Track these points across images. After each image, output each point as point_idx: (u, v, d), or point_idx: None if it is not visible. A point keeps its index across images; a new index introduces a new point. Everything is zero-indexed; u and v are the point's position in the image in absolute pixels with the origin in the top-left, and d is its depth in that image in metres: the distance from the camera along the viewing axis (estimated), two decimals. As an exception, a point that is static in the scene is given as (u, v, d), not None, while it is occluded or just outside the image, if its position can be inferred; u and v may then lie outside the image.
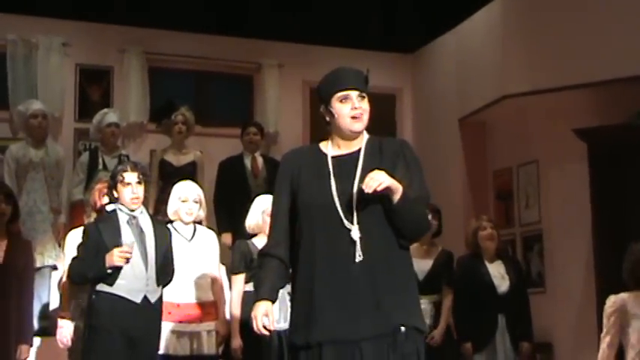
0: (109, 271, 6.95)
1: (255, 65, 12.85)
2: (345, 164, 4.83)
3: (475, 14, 11.77)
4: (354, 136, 4.87)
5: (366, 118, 4.87)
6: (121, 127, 10.98)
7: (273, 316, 4.86)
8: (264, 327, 4.82)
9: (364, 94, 4.88)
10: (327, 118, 4.90)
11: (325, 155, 4.90)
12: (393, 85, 12.64)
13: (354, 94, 4.84)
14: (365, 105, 4.87)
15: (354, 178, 4.76)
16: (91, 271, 7.03)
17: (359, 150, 4.88)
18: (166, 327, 7.55)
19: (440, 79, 12.65)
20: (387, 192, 4.64)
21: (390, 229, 4.80)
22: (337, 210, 4.72)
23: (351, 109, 4.82)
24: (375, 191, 4.57)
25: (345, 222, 4.71)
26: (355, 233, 4.70)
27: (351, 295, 4.69)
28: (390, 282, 4.76)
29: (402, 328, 4.66)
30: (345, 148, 4.89)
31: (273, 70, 12.81)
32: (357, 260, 4.68)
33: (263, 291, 4.91)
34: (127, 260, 6.95)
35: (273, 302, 4.90)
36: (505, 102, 11.15)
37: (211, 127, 12.01)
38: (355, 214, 4.72)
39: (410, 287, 4.91)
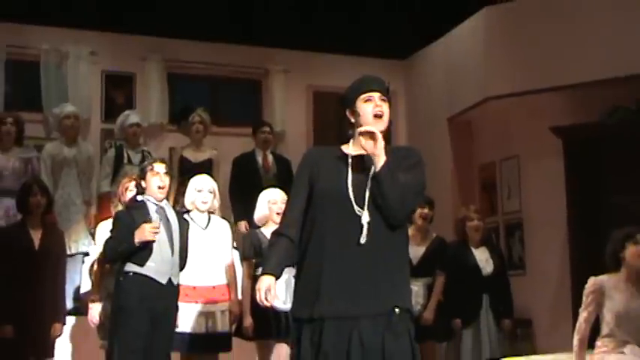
0: (138, 244, 6.99)
1: (264, 71, 12.84)
2: (363, 162, 4.84)
3: (461, 25, 11.76)
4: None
5: (386, 118, 4.90)
6: (142, 127, 10.98)
7: (275, 290, 4.90)
8: (266, 299, 4.85)
9: (385, 98, 4.92)
10: (352, 120, 4.93)
11: (346, 154, 4.92)
12: (391, 92, 12.69)
13: (376, 95, 4.87)
14: (385, 107, 4.90)
15: (369, 173, 4.79)
16: (121, 245, 7.05)
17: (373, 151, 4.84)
18: (184, 307, 7.57)
19: (430, 82, 12.65)
20: (373, 156, 4.71)
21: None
22: (350, 198, 4.75)
23: (374, 108, 4.86)
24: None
25: (356, 208, 4.73)
26: (365, 218, 4.72)
27: (354, 275, 4.70)
28: (389, 266, 4.79)
29: (397, 310, 4.70)
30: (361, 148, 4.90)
31: (280, 76, 12.80)
32: (361, 242, 4.70)
33: (268, 266, 4.94)
34: (155, 235, 7.02)
35: (277, 278, 4.91)
36: (488, 103, 11.16)
37: (224, 127, 11.97)
38: (366, 202, 4.74)
39: (405, 271, 4.95)
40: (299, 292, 4.91)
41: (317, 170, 4.92)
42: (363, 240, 4.71)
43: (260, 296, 4.84)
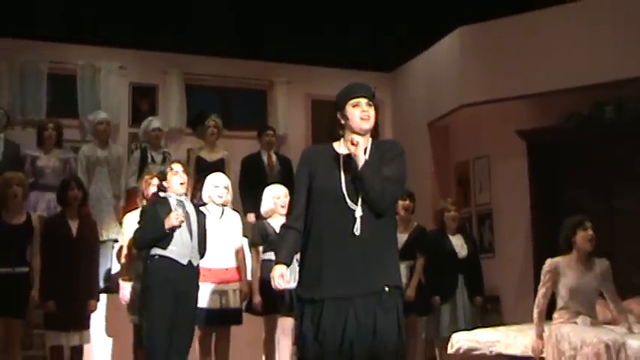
0: (168, 231, 7.08)
1: (268, 82, 12.81)
2: (353, 160, 4.84)
3: (439, 42, 11.73)
4: (363, 134, 4.91)
5: (372, 120, 4.91)
6: (163, 131, 11.01)
7: (287, 276, 5.01)
8: (279, 284, 4.96)
9: (371, 103, 4.94)
10: (342, 122, 4.93)
11: (338, 154, 4.94)
12: (376, 98, 12.71)
13: (363, 100, 4.88)
14: (371, 111, 4.91)
15: (359, 169, 4.81)
16: (152, 232, 7.13)
17: (365, 149, 4.89)
18: (201, 287, 7.58)
19: (412, 92, 12.60)
20: (355, 157, 4.78)
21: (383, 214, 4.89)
22: (343, 194, 4.79)
23: (360, 112, 4.88)
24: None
25: (350, 203, 4.78)
26: (358, 212, 4.78)
27: (349, 261, 4.75)
28: (379, 251, 4.84)
29: (386, 288, 4.76)
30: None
31: (283, 86, 12.77)
32: (356, 233, 4.75)
33: (280, 256, 4.99)
34: (181, 223, 7.11)
35: (288, 266, 4.98)
36: (463, 110, 11.16)
37: (234, 131, 11.91)
38: (360, 198, 4.80)
39: (394, 254, 5.00)
40: (302, 277, 4.95)
41: (314, 168, 4.95)
42: (357, 231, 4.76)
43: (274, 282, 4.93)
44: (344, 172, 4.88)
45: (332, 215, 4.83)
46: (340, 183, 4.86)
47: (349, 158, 4.88)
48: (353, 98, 4.92)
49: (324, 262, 4.80)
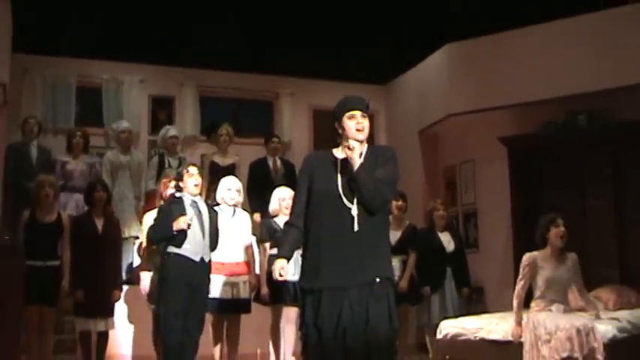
0: (175, 232, 7.11)
1: (274, 94, 12.82)
2: (349, 163, 4.85)
3: (429, 57, 11.72)
4: (358, 141, 4.91)
5: (366, 131, 4.92)
6: (179, 138, 11.01)
7: (287, 269, 5.03)
8: (280, 275, 4.98)
9: (366, 114, 4.95)
10: (340, 131, 4.93)
11: (336, 158, 4.95)
12: (372, 108, 12.71)
13: (358, 113, 4.89)
14: (366, 122, 4.91)
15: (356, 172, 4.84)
16: (162, 232, 7.19)
17: (361, 154, 4.87)
18: (214, 279, 7.65)
19: (404, 103, 12.59)
20: (351, 160, 4.80)
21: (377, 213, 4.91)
22: (340, 194, 4.81)
23: (356, 124, 4.89)
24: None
25: (346, 202, 4.79)
26: (354, 210, 4.80)
27: (345, 255, 4.77)
28: (372, 247, 4.85)
29: (377, 279, 4.78)
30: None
31: (287, 98, 12.78)
32: (355, 230, 4.77)
33: (282, 251, 5.01)
34: (189, 226, 7.11)
35: (289, 260, 4.98)
36: (450, 119, 11.16)
37: (244, 138, 11.88)
38: (355, 198, 4.81)
39: (386, 250, 5.01)
40: (304, 270, 4.97)
41: (314, 171, 4.96)
42: (355, 227, 4.78)
43: (275, 274, 4.95)
44: (340, 174, 4.90)
45: (330, 214, 4.83)
46: (337, 184, 4.87)
47: (346, 162, 4.88)
48: (349, 110, 4.93)
49: (322, 256, 4.81)
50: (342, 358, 4.72)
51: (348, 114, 4.94)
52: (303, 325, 4.91)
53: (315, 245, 4.88)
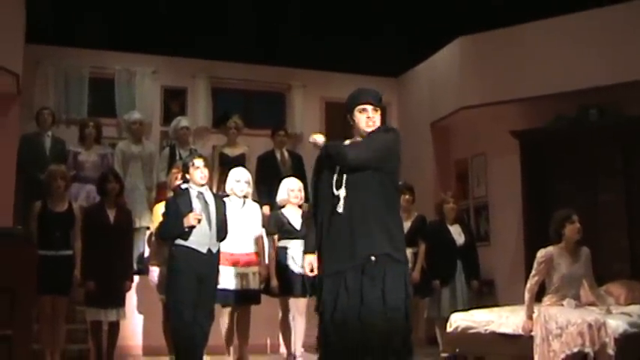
0: (187, 229, 7.15)
1: (286, 86, 12.81)
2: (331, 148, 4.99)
3: (441, 50, 11.72)
4: (365, 133, 5.00)
5: (378, 123, 5.04)
6: (191, 129, 10.98)
7: (315, 263, 5.05)
8: (311, 271, 5.04)
9: (377, 108, 5.04)
10: (351, 123, 5.04)
11: None
12: (384, 100, 12.71)
13: (369, 107, 5.00)
14: (377, 116, 5.03)
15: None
16: (174, 230, 7.20)
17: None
18: (224, 270, 7.68)
19: (416, 95, 12.57)
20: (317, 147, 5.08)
21: (369, 192, 4.94)
22: (331, 183, 4.91)
23: (366, 118, 5.00)
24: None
25: (334, 189, 4.89)
26: (342, 193, 4.88)
27: (338, 239, 4.86)
28: (365, 226, 4.89)
29: (372, 258, 4.83)
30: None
31: (299, 90, 12.77)
32: (339, 212, 4.86)
33: (308, 247, 5.11)
34: (199, 221, 7.16)
35: (314, 253, 5.03)
36: (462, 112, 11.16)
37: (255, 129, 11.89)
38: (343, 182, 4.89)
39: (386, 227, 4.98)
40: (318, 258, 5.04)
41: (324, 164, 5.05)
42: (340, 209, 4.86)
43: (306, 271, 5.10)
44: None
45: (324, 202, 4.95)
46: (333, 173, 4.96)
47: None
48: (360, 104, 4.99)
49: (322, 244, 4.92)
50: (345, 343, 4.78)
51: (359, 107, 5.03)
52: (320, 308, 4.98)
53: (320, 235, 4.98)
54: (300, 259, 7.64)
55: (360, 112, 5.00)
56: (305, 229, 5.30)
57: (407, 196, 9.07)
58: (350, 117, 5.06)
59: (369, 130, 5.00)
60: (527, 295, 7.08)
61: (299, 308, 8.10)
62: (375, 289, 4.79)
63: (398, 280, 4.91)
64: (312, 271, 5.05)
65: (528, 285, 7.10)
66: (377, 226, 4.94)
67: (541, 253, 7.06)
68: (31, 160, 9.70)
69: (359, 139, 5.00)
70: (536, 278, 7.06)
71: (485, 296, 10.27)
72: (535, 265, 7.08)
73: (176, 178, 8.14)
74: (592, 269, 7.16)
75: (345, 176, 4.92)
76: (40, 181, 8.62)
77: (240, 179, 8.21)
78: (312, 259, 5.01)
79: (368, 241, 4.88)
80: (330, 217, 4.89)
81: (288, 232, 8.12)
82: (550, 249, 7.05)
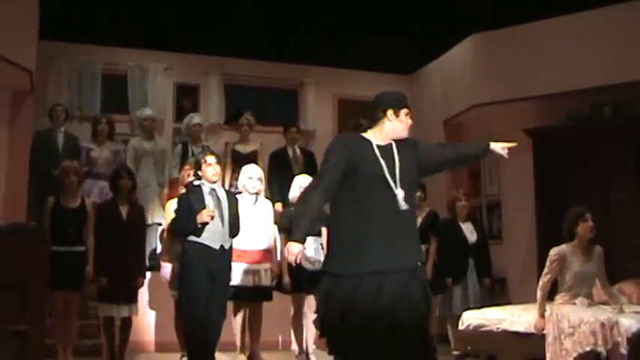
0: (199, 226, 7.17)
1: (299, 83, 12.82)
2: (386, 151, 4.94)
3: (454, 47, 11.72)
4: (399, 136, 5.04)
5: None
6: (203, 126, 10.99)
7: (304, 253, 5.05)
8: (296, 262, 4.98)
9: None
10: (391, 119, 5.02)
11: (371, 143, 4.99)
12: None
13: (408, 112, 5.09)
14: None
15: (394, 161, 4.92)
16: (187, 226, 7.22)
17: (391, 143, 4.99)
18: (236, 266, 7.71)
19: (429, 92, 12.53)
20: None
21: (413, 193, 5.05)
22: (388, 180, 4.86)
23: (407, 123, 5.05)
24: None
25: (393, 187, 4.84)
26: (400, 193, 4.84)
27: (391, 240, 4.79)
28: (412, 230, 4.97)
29: (419, 264, 4.89)
30: (385, 141, 4.99)
31: (312, 87, 12.77)
32: (401, 209, 4.82)
33: (298, 234, 4.91)
34: (212, 218, 7.18)
35: (303, 243, 4.93)
36: (475, 109, 11.15)
37: (268, 126, 11.90)
38: (398, 181, 4.86)
39: (417, 234, 5.08)
40: (343, 254, 4.86)
41: (354, 154, 4.94)
42: (403, 207, 4.83)
43: (296, 260, 4.93)
44: (382, 158, 4.93)
45: (376, 197, 4.84)
46: (382, 169, 4.90)
47: (384, 147, 4.99)
48: (407, 108, 5.07)
49: (371, 240, 4.79)
50: (377, 346, 4.71)
51: (405, 110, 5.08)
52: (326, 311, 4.87)
53: (361, 230, 4.82)
54: (314, 254, 7.70)
55: (405, 114, 5.06)
56: (296, 212, 5.14)
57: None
58: (394, 113, 5.06)
59: (406, 134, 5.07)
60: (539, 294, 7.07)
61: (311, 305, 8.05)
62: (420, 295, 4.82)
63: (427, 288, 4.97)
64: (297, 263, 5.00)
65: (540, 283, 7.09)
66: (417, 233, 5.05)
67: (554, 252, 7.04)
68: (43, 157, 9.74)
69: (385, 136, 5.00)
70: (548, 276, 7.03)
71: (497, 294, 10.28)
72: (547, 263, 7.07)
73: (188, 175, 8.17)
74: (605, 268, 7.14)
75: (398, 174, 4.93)
76: (52, 177, 8.65)
77: (252, 176, 8.23)
78: (301, 248, 4.91)
79: (415, 246, 4.97)
80: (384, 215, 4.84)
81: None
82: (563, 247, 7.04)
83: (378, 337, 4.69)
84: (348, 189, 4.88)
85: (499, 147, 5.41)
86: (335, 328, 4.82)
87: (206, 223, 7.19)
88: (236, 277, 7.77)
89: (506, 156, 5.38)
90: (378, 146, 4.99)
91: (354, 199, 4.86)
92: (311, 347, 8.22)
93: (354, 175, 4.89)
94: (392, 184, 4.86)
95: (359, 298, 4.71)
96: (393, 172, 4.90)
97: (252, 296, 8.01)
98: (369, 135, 5.07)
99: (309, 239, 7.96)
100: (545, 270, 7.07)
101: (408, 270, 4.81)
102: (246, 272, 7.93)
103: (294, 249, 4.87)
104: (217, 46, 11.76)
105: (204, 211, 7.18)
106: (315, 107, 12.77)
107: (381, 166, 4.91)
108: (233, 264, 7.58)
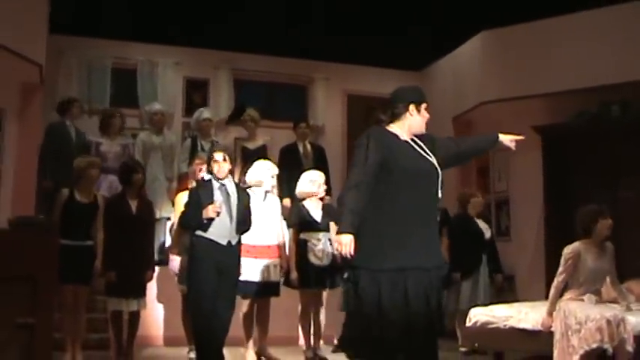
0: (205, 221, 7.17)
1: (309, 78, 12.83)
2: (418, 144, 4.97)
3: (463, 45, 11.73)
4: (419, 131, 5.05)
5: None
6: (213, 121, 10.98)
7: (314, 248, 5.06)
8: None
9: None
10: (412, 114, 5.02)
11: (400, 137, 4.99)
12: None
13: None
14: None
15: (426, 156, 4.94)
16: (193, 220, 7.23)
17: (413, 138, 4.99)
18: (245, 261, 7.68)
19: (438, 89, 12.38)
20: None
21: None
22: (424, 174, 4.87)
23: (427, 117, 5.06)
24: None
25: (434, 182, 4.87)
26: (439, 192, 4.88)
27: (428, 235, 4.85)
28: (437, 226, 5.07)
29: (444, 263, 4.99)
30: (408, 136, 4.99)
31: (322, 82, 12.77)
32: (436, 203, 4.90)
33: (346, 227, 4.74)
34: (218, 214, 7.17)
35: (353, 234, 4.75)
36: (484, 106, 11.15)
37: (278, 122, 11.93)
38: (440, 178, 4.91)
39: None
40: (384, 249, 4.78)
41: (389, 149, 4.89)
42: (438, 200, 4.91)
43: (345, 251, 4.76)
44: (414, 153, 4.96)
45: (415, 193, 4.82)
46: (419, 163, 4.91)
47: (412, 142, 5.00)
48: (426, 102, 5.09)
49: (411, 236, 4.79)
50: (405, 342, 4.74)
51: (425, 105, 5.08)
52: (359, 307, 4.83)
53: (396, 223, 4.80)
54: (322, 250, 7.70)
55: (425, 109, 5.07)
56: (340, 205, 4.94)
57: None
58: (415, 108, 5.04)
59: (424, 130, 5.07)
60: (552, 292, 7.02)
61: (320, 301, 8.15)
62: (439, 291, 4.87)
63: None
64: (350, 255, 4.75)
65: (555, 282, 7.04)
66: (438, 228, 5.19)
67: (568, 250, 6.99)
68: (56, 149, 9.73)
69: (407, 130, 5.01)
70: (563, 275, 6.99)
71: (505, 291, 10.25)
72: (562, 261, 7.01)
73: (200, 170, 8.21)
74: (615, 265, 7.13)
75: (437, 172, 4.95)
76: (66, 170, 8.61)
77: (273, 174, 8.31)
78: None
79: (438, 243, 5.09)
80: (422, 212, 4.83)
81: (308, 224, 8.15)
82: (577, 244, 7.00)
83: (412, 331, 4.73)
84: (385, 183, 4.83)
85: (507, 139, 5.37)
86: (372, 322, 4.76)
87: (212, 219, 7.19)
88: (245, 272, 7.75)
89: (513, 148, 5.33)
90: (406, 141, 5.00)
91: (392, 194, 4.83)
92: (319, 343, 8.24)
93: (389, 170, 4.84)
94: (428, 178, 4.88)
95: (398, 293, 4.71)
96: (433, 167, 4.94)
97: (260, 291, 8.02)
98: (395, 129, 5.05)
99: (317, 235, 7.98)
100: (560, 269, 7.02)
101: (437, 267, 4.87)
102: (255, 267, 7.94)
103: (345, 239, 4.71)
104: (227, 41, 11.76)
105: (209, 207, 7.18)
106: (324, 103, 12.77)
107: (417, 160, 4.92)
108: (242, 259, 7.58)
